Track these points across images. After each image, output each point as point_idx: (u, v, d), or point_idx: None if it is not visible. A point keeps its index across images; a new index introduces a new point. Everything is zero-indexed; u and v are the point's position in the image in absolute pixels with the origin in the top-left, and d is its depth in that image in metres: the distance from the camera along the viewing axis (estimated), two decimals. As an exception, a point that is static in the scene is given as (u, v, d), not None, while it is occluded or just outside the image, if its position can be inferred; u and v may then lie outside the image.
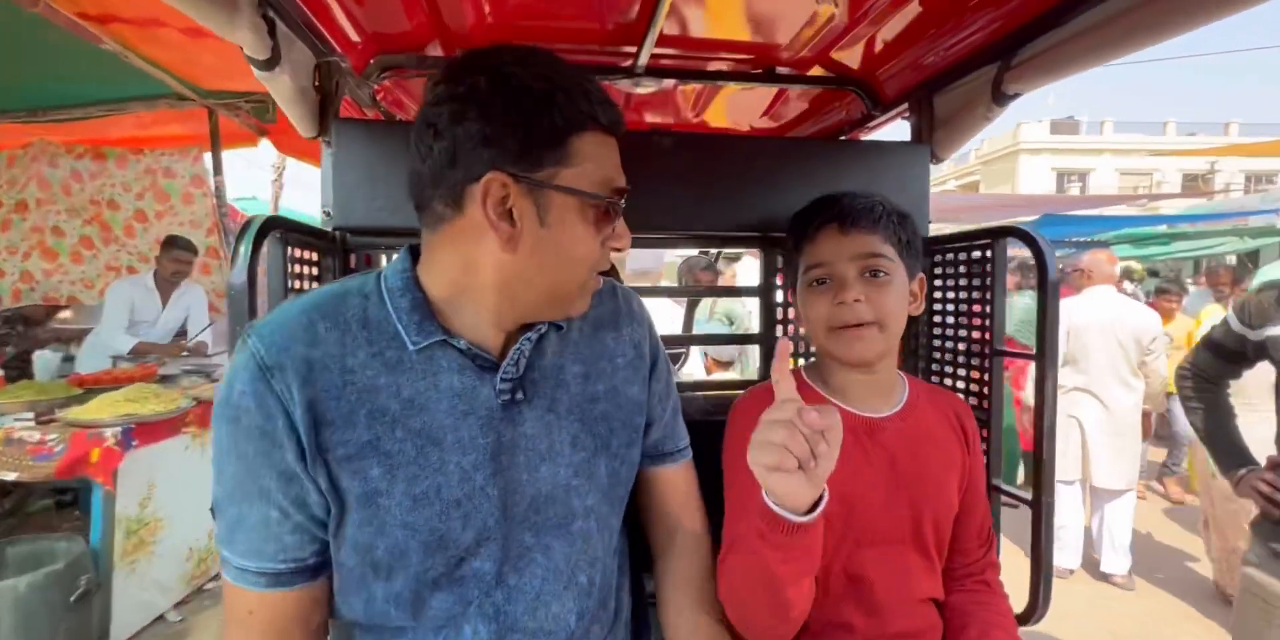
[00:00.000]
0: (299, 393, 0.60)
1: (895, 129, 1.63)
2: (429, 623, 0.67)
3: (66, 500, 3.06)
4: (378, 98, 1.39)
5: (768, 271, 1.30)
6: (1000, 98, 1.10)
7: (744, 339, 1.36)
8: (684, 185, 1.21)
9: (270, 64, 0.88)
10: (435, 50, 1.33)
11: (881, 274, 0.88)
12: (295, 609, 0.65)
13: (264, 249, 0.86)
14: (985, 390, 1.15)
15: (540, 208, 0.62)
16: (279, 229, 0.85)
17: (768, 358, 1.30)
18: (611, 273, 1.63)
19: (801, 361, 1.36)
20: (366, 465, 0.62)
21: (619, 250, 0.69)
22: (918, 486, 0.93)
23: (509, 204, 0.61)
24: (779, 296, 1.30)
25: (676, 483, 0.86)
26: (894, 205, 0.93)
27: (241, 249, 0.76)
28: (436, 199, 0.63)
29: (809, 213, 0.95)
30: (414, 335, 0.65)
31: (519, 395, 0.69)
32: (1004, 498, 1.14)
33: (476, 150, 0.60)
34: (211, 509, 0.64)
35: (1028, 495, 1.06)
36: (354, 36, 1.19)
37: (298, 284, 0.96)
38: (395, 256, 0.71)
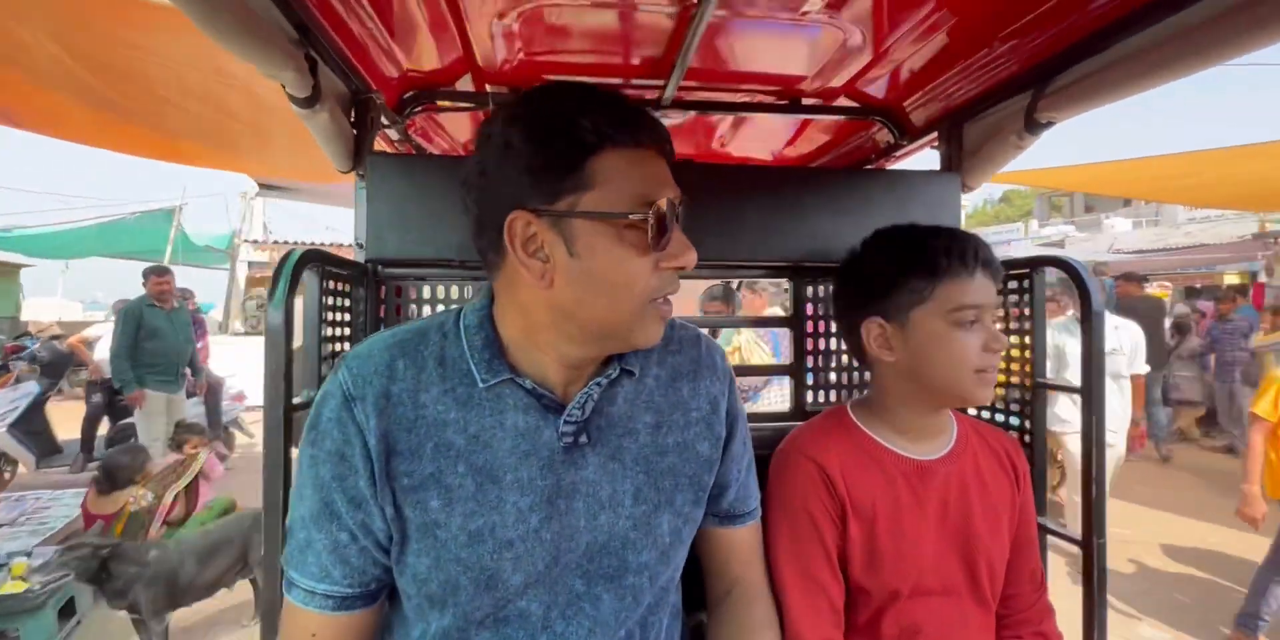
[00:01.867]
0: (375, 422, 0.64)
1: (924, 158, 1.62)
2: None
3: None
4: (409, 131, 1.41)
5: (798, 302, 1.28)
6: (1033, 126, 1.08)
7: (775, 370, 1.34)
8: (711, 215, 1.20)
9: (311, 102, 0.90)
10: (467, 85, 1.36)
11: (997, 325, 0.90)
12: (352, 634, 0.67)
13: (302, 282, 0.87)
14: (1028, 424, 1.11)
15: (567, 239, 0.60)
16: (315, 262, 0.86)
17: (799, 390, 1.28)
18: None
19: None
20: (427, 496, 0.64)
21: (682, 269, 0.64)
22: (971, 531, 0.89)
23: (539, 240, 0.61)
24: (809, 327, 1.28)
25: (744, 542, 0.84)
26: None
27: (280, 284, 0.76)
28: (485, 248, 0.65)
29: (951, 246, 0.86)
30: (484, 373, 0.66)
31: (583, 439, 0.68)
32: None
33: (499, 194, 0.62)
34: (285, 532, 0.68)
35: (1078, 535, 1.00)
36: (389, 73, 1.22)
37: (331, 315, 0.97)
38: (482, 291, 0.73)
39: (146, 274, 4.84)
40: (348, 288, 1.02)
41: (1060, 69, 1.02)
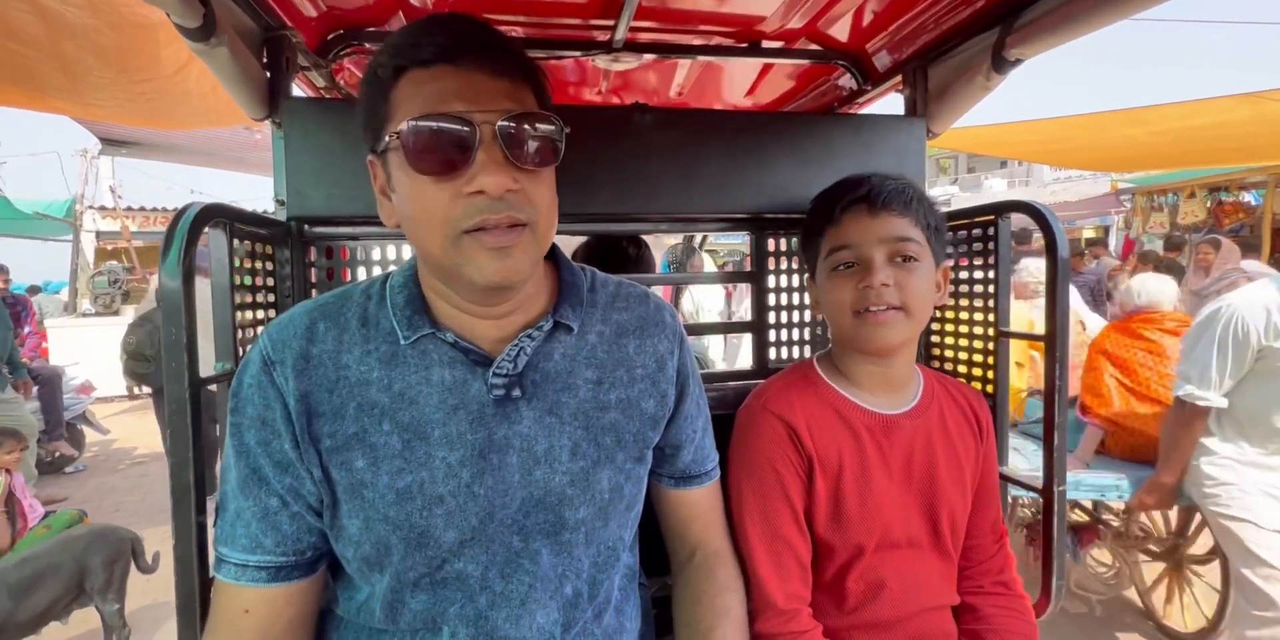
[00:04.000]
0: (295, 384, 0.62)
1: (890, 103, 1.56)
2: (406, 626, 0.66)
3: None
4: (337, 77, 1.29)
5: (759, 256, 1.23)
6: (1001, 64, 1.03)
7: (736, 327, 1.30)
8: (667, 165, 1.13)
9: (204, 34, 0.79)
10: (399, 25, 1.24)
11: (911, 259, 0.84)
12: (289, 608, 0.65)
13: (208, 242, 0.78)
14: (990, 374, 1.10)
15: (391, 176, 0.61)
16: (221, 218, 0.77)
17: (760, 347, 1.24)
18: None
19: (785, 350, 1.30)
20: (352, 457, 0.63)
21: (479, 195, 0.57)
22: (934, 486, 0.89)
23: (384, 182, 0.63)
24: (771, 281, 1.23)
25: (703, 504, 0.83)
26: (923, 189, 0.89)
27: (174, 244, 0.67)
28: None
29: (835, 193, 0.89)
30: (405, 329, 0.65)
31: (515, 393, 0.66)
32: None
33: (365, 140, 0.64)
34: (216, 510, 0.66)
35: (1038, 484, 1.01)
36: (308, 11, 1.10)
37: (250, 279, 0.88)
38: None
39: None
40: (268, 249, 0.93)
41: (1029, 2, 0.97)
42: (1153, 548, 2.48)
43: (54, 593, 2.26)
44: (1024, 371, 2.83)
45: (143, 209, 9.79)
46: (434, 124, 0.56)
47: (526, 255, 0.60)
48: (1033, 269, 3.13)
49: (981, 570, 0.95)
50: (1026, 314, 2.80)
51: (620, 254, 1.52)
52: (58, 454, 4.89)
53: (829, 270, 0.88)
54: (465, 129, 0.56)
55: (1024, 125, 4.65)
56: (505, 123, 0.57)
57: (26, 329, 5.14)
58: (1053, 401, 0.95)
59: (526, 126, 0.58)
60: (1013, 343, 1.10)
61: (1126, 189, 8.92)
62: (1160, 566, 2.48)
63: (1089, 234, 11.30)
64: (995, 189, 17.75)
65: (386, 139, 0.58)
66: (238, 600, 0.63)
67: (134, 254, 8.63)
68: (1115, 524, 2.49)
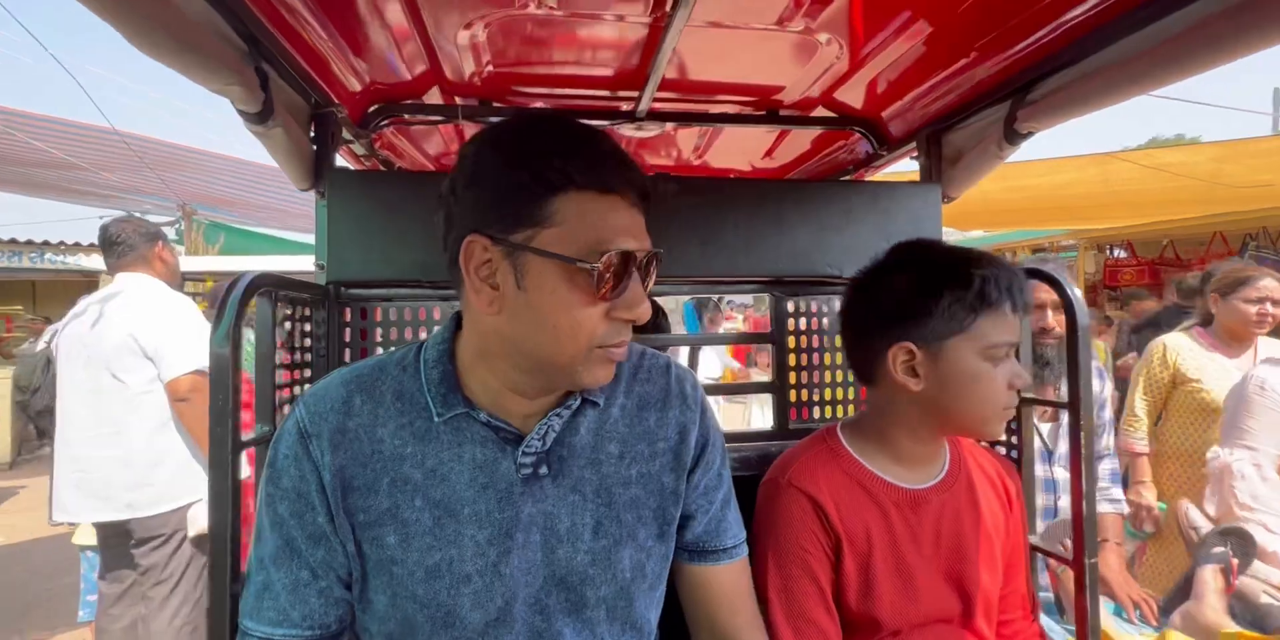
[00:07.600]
0: (331, 458, 0.64)
1: (904, 165, 1.61)
2: None
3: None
4: (376, 146, 1.37)
5: (779, 317, 1.25)
6: (1013, 136, 1.07)
7: (757, 388, 1.31)
8: (689, 230, 1.17)
9: (263, 117, 0.85)
10: (436, 98, 1.32)
11: None
12: None
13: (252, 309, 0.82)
14: (1014, 439, 1.09)
15: (518, 271, 0.60)
16: (267, 286, 0.81)
17: (781, 407, 1.25)
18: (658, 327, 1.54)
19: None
20: (384, 532, 0.64)
21: (630, 322, 0.63)
22: (965, 560, 0.87)
23: (492, 267, 0.61)
24: (791, 342, 1.25)
25: (725, 584, 0.77)
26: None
27: (226, 316, 0.71)
28: (449, 264, 0.64)
29: (998, 278, 0.82)
30: (439, 407, 0.66)
31: (543, 470, 0.67)
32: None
33: (464, 214, 0.62)
34: (245, 576, 0.66)
35: (1069, 555, 0.98)
36: (352, 86, 1.18)
37: (290, 341, 0.92)
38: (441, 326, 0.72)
39: None
40: (306, 312, 0.97)
41: (1039, 79, 1.01)
42: None
43: None
44: None
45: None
46: (619, 258, 0.60)
47: None
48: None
49: None
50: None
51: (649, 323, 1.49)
52: None
53: (986, 359, 0.82)
54: (633, 264, 0.62)
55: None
56: (650, 259, 0.64)
57: None
58: (1080, 472, 0.94)
59: (656, 263, 0.66)
60: None
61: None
62: None
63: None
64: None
65: (528, 239, 0.60)
66: None
67: None
68: None
